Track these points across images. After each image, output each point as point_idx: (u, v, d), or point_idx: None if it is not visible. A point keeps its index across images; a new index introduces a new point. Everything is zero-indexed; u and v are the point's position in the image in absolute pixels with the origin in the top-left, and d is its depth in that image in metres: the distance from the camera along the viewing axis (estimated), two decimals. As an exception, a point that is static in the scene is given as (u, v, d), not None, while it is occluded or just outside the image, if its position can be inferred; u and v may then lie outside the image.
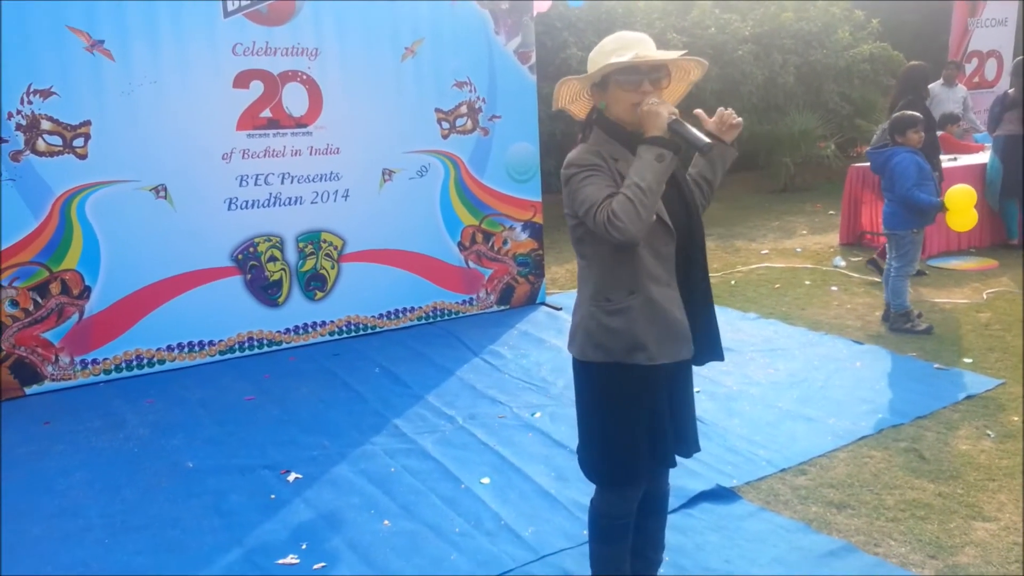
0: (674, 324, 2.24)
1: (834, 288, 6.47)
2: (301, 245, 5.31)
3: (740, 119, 2.34)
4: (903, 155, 5.21)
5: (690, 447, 2.44)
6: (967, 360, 4.78)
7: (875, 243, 7.72)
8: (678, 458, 2.42)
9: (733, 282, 6.71)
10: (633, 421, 2.29)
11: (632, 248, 2.15)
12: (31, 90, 4.39)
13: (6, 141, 4.37)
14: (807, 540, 3.03)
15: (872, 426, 3.94)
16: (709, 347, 2.38)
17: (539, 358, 5.08)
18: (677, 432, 2.39)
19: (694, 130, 2.14)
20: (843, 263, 7.18)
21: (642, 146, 2.10)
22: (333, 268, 5.44)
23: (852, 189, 7.89)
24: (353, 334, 5.56)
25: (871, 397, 4.29)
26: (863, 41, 12.55)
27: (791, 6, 11.99)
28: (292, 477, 3.62)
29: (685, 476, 3.35)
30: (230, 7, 4.85)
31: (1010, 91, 7.34)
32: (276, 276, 5.26)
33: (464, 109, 5.76)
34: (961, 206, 5.01)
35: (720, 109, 2.36)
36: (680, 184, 2.34)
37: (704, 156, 2.36)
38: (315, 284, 5.40)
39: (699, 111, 2.39)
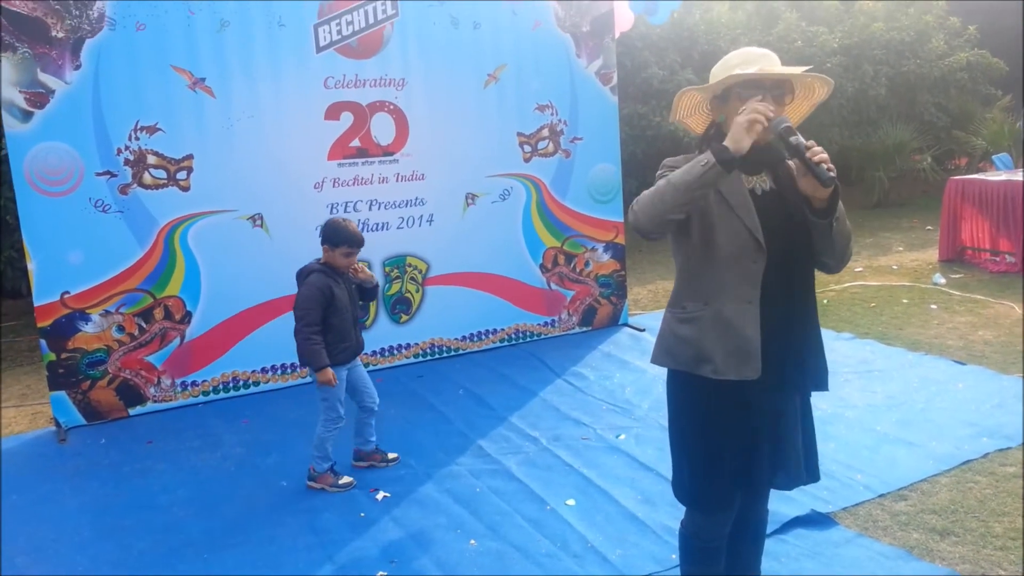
0: (744, 342, 2.16)
1: (933, 306, 6.20)
2: (387, 269, 5.44)
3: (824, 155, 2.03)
4: None
5: (791, 479, 2.32)
6: (1082, 381, 4.50)
7: (977, 259, 7.38)
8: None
9: (826, 301, 6.51)
10: (714, 440, 2.24)
11: (648, 239, 2.12)
12: (138, 127, 4.66)
13: (115, 175, 4.64)
14: (908, 567, 2.90)
15: (977, 450, 3.75)
16: (812, 373, 2.26)
17: (623, 379, 5.04)
18: (776, 460, 2.29)
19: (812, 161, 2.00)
20: (943, 280, 6.88)
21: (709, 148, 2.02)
22: (418, 292, 5.55)
23: (951, 203, 7.57)
24: (437, 356, 5.64)
25: (975, 420, 4.08)
26: (959, 49, 12.07)
27: (881, 15, 11.65)
28: (381, 496, 3.69)
29: (779, 501, 3.24)
30: (323, 42, 5.04)
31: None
32: (364, 300, 5.39)
33: (546, 132, 5.81)
34: None
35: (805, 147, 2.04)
36: (788, 200, 2.22)
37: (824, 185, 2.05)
38: (400, 307, 5.51)
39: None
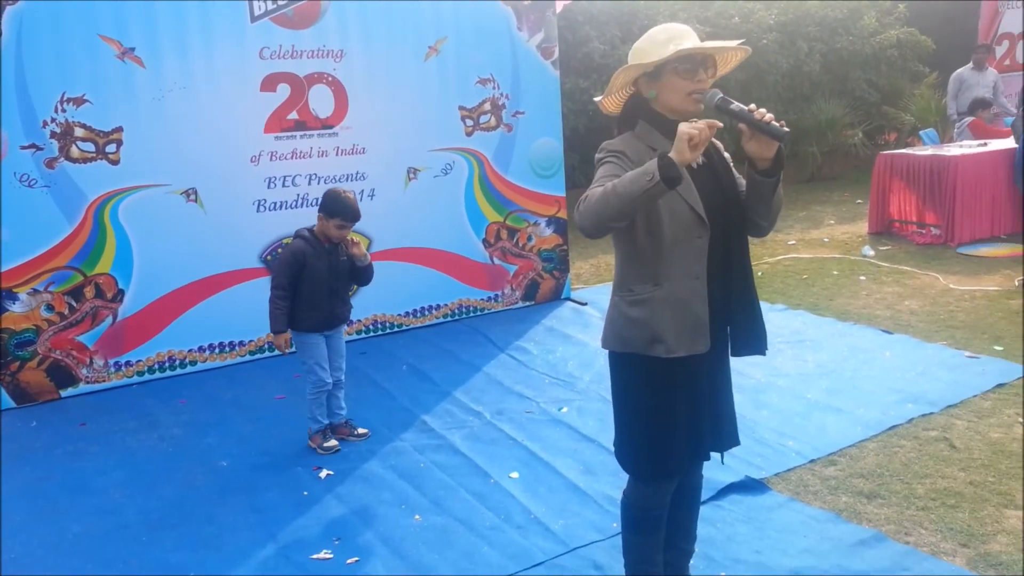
0: (694, 318, 2.22)
1: (862, 278, 6.41)
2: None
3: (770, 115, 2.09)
4: None
5: (726, 441, 2.44)
6: (998, 348, 4.72)
7: (904, 232, 7.63)
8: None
9: (760, 273, 6.67)
10: (662, 413, 2.29)
11: (592, 237, 2.14)
12: (64, 98, 4.48)
13: (41, 148, 4.47)
14: (837, 530, 3.02)
15: (902, 416, 3.91)
16: (750, 339, 2.35)
17: (565, 353, 5.10)
18: (713, 426, 2.39)
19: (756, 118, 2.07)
20: (872, 252, 7.11)
21: (656, 157, 1.99)
22: (360, 267, 5.49)
23: (881, 177, 7.80)
24: (380, 332, 5.62)
25: (901, 387, 4.26)
26: (890, 27, 12.38)
27: (816, -7, 11.86)
28: (324, 474, 3.68)
29: (714, 468, 3.30)
30: (257, 11, 4.91)
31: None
32: (304, 276, 5.32)
33: (488, 106, 5.79)
34: None
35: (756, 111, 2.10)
36: (720, 175, 2.31)
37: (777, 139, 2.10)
38: (343, 283, 5.45)
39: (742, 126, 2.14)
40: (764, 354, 2.39)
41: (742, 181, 2.32)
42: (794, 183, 11.09)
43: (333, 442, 3.89)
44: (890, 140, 12.45)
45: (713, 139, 2.32)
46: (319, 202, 3.79)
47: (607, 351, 2.38)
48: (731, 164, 2.37)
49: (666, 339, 2.21)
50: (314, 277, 3.73)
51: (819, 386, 4.35)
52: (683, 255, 2.21)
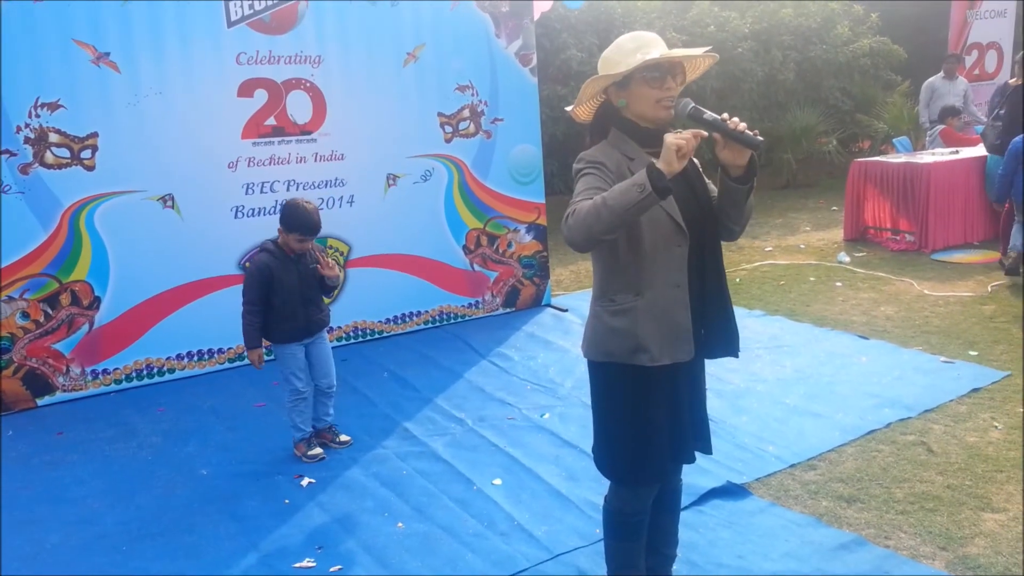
0: (677, 326, 2.24)
1: (838, 284, 6.49)
2: (308, 251, 5.33)
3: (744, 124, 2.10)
4: None
5: (707, 444, 2.47)
6: (973, 353, 4.79)
7: (878, 238, 7.73)
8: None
9: (738, 280, 6.73)
10: (644, 420, 2.30)
11: (583, 251, 2.14)
12: (39, 103, 4.43)
13: (15, 154, 4.41)
14: (818, 534, 3.05)
15: (880, 420, 3.96)
16: (723, 341, 2.37)
17: (546, 359, 5.11)
18: (695, 428, 2.41)
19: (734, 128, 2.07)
20: (847, 258, 7.19)
21: (644, 169, 2.00)
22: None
23: (855, 184, 7.90)
24: (360, 339, 5.59)
25: (878, 392, 4.31)
26: (863, 36, 12.56)
27: (790, 2, 12.00)
28: (305, 482, 3.65)
29: (696, 473, 3.37)
30: (234, 16, 4.88)
31: (1011, 81, 7.33)
32: (284, 283, 5.28)
33: (466, 112, 5.79)
34: None
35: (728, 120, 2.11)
36: (693, 183, 2.33)
37: (752, 148, 2.13)
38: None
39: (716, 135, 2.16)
40: (737, 356, 2.41)
41: (713, 187, 2.35)
42: (769, 190, 11.20)
43: (318, 450, 3.87)
44: (864, 148, 12.61)
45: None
46: (279, 213, 3.74)
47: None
48: (701, 170, 2.39)
49: (650, 348, 2.22)
50: (284, 288, 3.71)
51: (797, 391, 4.39)
52: (663, 264, 2.23)
